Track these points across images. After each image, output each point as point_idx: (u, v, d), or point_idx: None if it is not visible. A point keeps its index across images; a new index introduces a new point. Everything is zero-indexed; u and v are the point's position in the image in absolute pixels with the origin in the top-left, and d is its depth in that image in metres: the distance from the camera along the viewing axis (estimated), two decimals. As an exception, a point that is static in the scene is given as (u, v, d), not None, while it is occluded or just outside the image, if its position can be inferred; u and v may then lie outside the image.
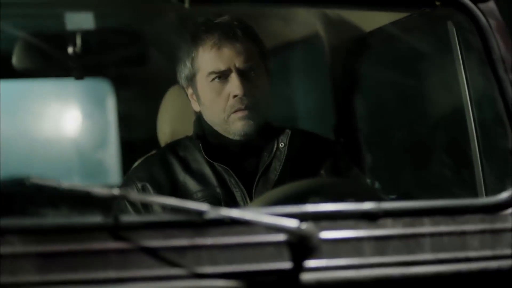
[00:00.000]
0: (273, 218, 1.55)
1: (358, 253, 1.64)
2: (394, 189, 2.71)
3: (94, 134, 3.33)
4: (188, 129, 2.42)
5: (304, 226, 1.55)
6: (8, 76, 2.47)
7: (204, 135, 2.35)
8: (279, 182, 2.23)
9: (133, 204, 2.20)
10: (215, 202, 2.24)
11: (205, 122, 2.34)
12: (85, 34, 2.00)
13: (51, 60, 2.21)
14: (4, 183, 1.68)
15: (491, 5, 1.94)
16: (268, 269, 1.58)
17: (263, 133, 2.31)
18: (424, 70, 2.81)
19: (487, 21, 1.92)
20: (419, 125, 2.91)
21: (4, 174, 2.68)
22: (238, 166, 2.28)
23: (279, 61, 3.12)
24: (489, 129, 2.06)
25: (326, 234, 1.62)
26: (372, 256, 1.64)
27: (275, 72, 2.53)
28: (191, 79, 2.32)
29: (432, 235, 1.69)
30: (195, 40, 2.29)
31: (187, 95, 2.39)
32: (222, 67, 2.26)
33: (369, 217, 1.67)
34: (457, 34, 2.12)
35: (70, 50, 1.96)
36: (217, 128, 2.31)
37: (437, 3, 1.94)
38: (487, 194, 2.06)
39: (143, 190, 2.27)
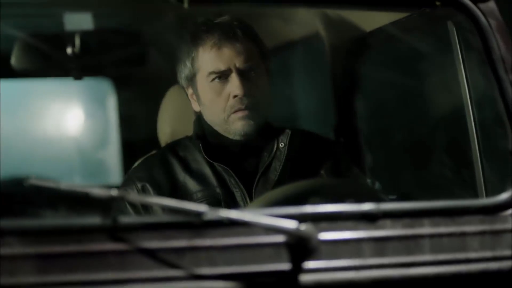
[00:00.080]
0: (272, 219, 1.55)
1: (358, 254, 1.63)
2: (394, 189, 2.71)
3: (94, 134, 3.33)
4: (188, 129, 2.42)
5: (303, 227, 1.55)
6: (7, 76, 2.47)
7: (204, 135, 2.34)
8: (279, 182, 2.23)
9: (132, 204, 2.19)
10: (215, 202, 2.23)
11: (205, 122, 2.34)
12: (84, 34, 1.99)
13: (50, 60, 2.21)
14: (3, 184, 1.68)
15: (491, 5, 1.93)
16: (267, 271, 1.57)
17: (263, 133, 2.31)
18: (425, 70, 2.81)
19: (487, 21, 1.91)
20: (419, 125, 2.90)
21: (4, 174, 2.68)
22: (238, 166, 2.28)
23: (279, 61, 3.12)
24: (489, 129, 2.06)
25: (325, 235, 1.61)
26: (372, 257, 1.64)
27: (275, 72, 2.53)
28: (191, 79, 2.32)
29: (431, 236, 1.68)
30: (195, 40, 2.29)
31: (187, 95, 2.39)
32: (222, 67, 2.25)
33: (369, 218, 1.66)
34: (457, 34, 2.12)
35: (69, 50, 1.95)
36: (217, 128, 2.31)
37: (437, 3, 1.93)
38: (487, 195, 2.06)
39: (143, 190, 2.27)
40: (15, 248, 1.47)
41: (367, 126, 2.91)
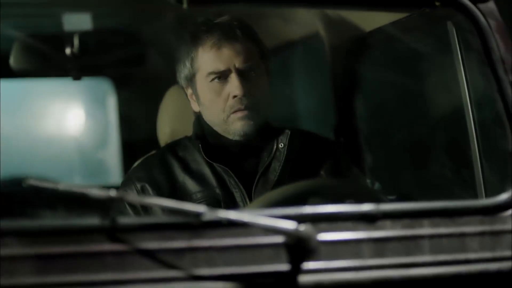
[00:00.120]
0: (271, 220, 1.55)
1: (357, 255, 1.63)
2: (394, 190, 2.70)
3: (94, 134, 3.33)
4: (188, 129, 2.41)
5: (302, 228, 1.54)
6: (5, 76, 2.47)
7: (204, 135, 2.34)
8: (278, 183, 2.23)
9: (132, 205, 2.19)
10: (215, 202, 2.23)
11: (205, 122, 2.34)
12: (83, 35, 1.99)
13: (48, 60, 2.21)
14: (2, 184, 1.68)
15: (491, 5, 1.93)
16: (266, 271, 1.57)
17: (262, 133, 2.31)
18: (424, 70, 2.81)
19: (487, 21, 1.91)
20: (419, 125, 2.90)
21: (3, 174, 2.68)
22: (238, 166, 2.28)
23: (279, 61, 3.12)
24: (489, 129, 2.05)
25: (324, 236, 1.61)
26: (371, 258, 1.64)
27: (275, 72, 2.52)
28: (191, 79, 2.32)
29: (431, 236, 1.68)
30: (195, 40, 2.29)
31: (186, 95, 2.38)
32: (221, 67, 2.25)
33: (368, 219, 1.66)
34: (457, 34, 2.12)
35: (68, 50, 1.95)
36: (217, 128, 2.31)
37: (437, 3, 1.93)
38: (487, 195, 2.06)
39: (142, 190, 2.26)
40: (14, 249, 1.47)
41: (367, 126, 2.91)
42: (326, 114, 3.02)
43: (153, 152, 2.48)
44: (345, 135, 2.86)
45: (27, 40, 2.22)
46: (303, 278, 1.58)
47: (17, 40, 2.26)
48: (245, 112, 2.25)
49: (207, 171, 2.28)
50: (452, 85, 2.17)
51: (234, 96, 2.24)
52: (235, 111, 2.25)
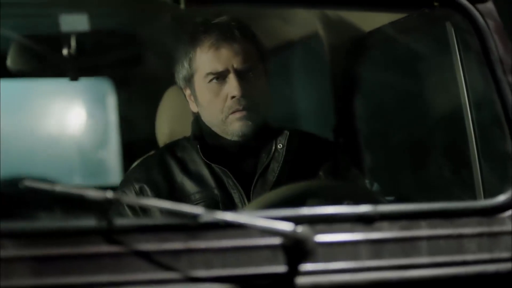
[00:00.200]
0: (268, 221, 1.55)
1: (354, 257, 1.63)
2: (394, 190, 2.70)
3: (93, 135, 3.33)
4: (186, 130, 2.41)
5: (300, 229, 1.54)
6: (3, 76, 2.47)
7: (202, 136, 2.34)
8: (277, 184, 2.23)
9: (130, 206, 2.19)
10: (213, 203, 2.23)
11: (203, 123, 2.34)
12: (80, 36, 1.99)
13: (46, 61, 2.21)
14: (-1, 185, 1.68)
15: (490, 5, 1.92)
16: (263, 273, 1.57)
17: (261, 134, 2.30)
18: (423, 71, 2.81)
19: (485, 22, 1.91)
20: (418, 126, 2.90)
21: (2, 174, 2.68)
22: (236, 167, 2.27)
23: (279, 62, 3.12)
24: (488, 130, 2.05)
25: (322, 238, 1.61)
26: (368, 259, 1.63)
27: (275, 72, 2.52)
28: (189, 80, 2.31)
29: (429, 238, 1.68)
30: (193, 40, 2.28)
31: (185, 95, 2.38)
32: (220, 68, 2.25)
33: (365, 220, 1.66)
34: (455, 35, 2.12)
35: (65, 51, 1.95)
36: (215, 129, 2.30)
37: (436, 4, 1.93)
38: (485, 196, 2.05)
39: (141, 191, 2.26)
40: (11, 251, 1.47)
41: (366, 126, 2.91)
42: (325, 115, 3.02)
43: (152, 152, 2.48)
44: (344, 136, 2.86)
45: (25, 41, 2.22)
46: (300, 280, 1.58)
47: (15, 40, 2.26)
48: (244, 113, 2.24)
49: (205, 172, 2.28)
50: (450, 85, 2.16)
51: (233, 97, 2.24)
52: (233, 112, 2.25)
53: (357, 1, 1.98)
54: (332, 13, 2.70)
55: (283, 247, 1.56)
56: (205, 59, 2.25)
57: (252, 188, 2.26)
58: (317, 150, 2.38)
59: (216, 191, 2.25)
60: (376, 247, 1.64)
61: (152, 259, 1.52)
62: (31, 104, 3.24)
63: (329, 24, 2.78)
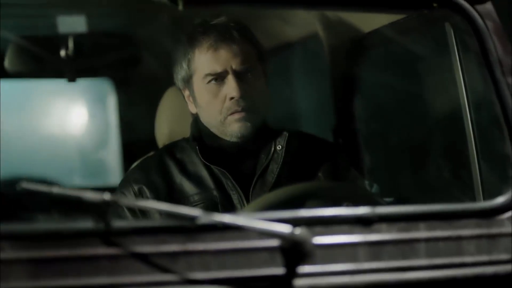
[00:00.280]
0: (266, 223, 1.54)
1: (353, 259, 1.62)
2: (393, 192, 2.70)
3: (93, 135, 3.33)
4: (186, 130, 2.41)
5: (298, 231, 1.53)
6: (0, 77, 2.46)
7: (201, 137, 2.33)
8: (276, 185, 2.22)
9: (129, 207, 2.18)
10: (212, 205, 2.23)
11: (202, 124, 2.33)
12: (78, 37, 1.98)
13: (43, 62, 2.20)
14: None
15: (489, 6, 1.92)
16: (261, 275, 1.56)
17: (260, 135, 2.30)
18: (422, 71, 2.80)
19: (484, 23, 1.90)
20: (417, 127, 2.89)
21: (2, 175, 2.68)
22: (235, 168, 2.27)
23: (278, 62, 3.11)
24: (487, 132, 2.04)
25: (320, 240, 1.60)
26: (367, 261, 1.63)
27: (274, 73, 2.52)
28: (188, 81, 2.31)
29: (427, 240, 1.67)
30: (192, 41, 2.28)
31: (184, 96, 2.38)
32: (218, 69, 2.24)
33: (364, 222, 1.65)
34: (454, 35, 2.11)
35: (62, 52, 1.95)
36: (214, 130, 2.30)
37: (434, 4, 1.92)
38: (485, 197, 2.05)
39: (140, 192, 2.26)
40: (8, 253, 1.47)
41: (366, 127, 2.90)
42: (324, 115, 3.02)
43: (151, 153, 2.48)
44: (343, 137, 2.85)
45: (22, 42, 2.22)
46: (298, 282, 1.57)
47: (12, 41, 2.26)
48: (242, 114, 2.24)
49: (204, 173, 2.27)
50: (449, 86, 2.16)
51: (231, 98, 2.23)
52: (232, 113, 2.24)
53: (357, 2, 1.97)
54: (332, 13, 2.69)
55: (281, 249, 1.56)
56: (204, 60, 2.25)
57: (251, 190, 2.26)
58: (316, 151, 2.38)
59: (215, 193, 2.24)
60: (375, 249, 1.64)
61: (149, 261, 1.52)
62: (31, 105, 3.24)
63: (329, 24, 2.78)
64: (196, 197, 2.25)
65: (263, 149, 2.31)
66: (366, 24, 2.67)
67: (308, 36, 2.90)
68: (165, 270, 1.52)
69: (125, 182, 2.32)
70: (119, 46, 2.33)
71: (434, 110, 2.78)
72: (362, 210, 1.66)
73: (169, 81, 2.44)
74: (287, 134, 2.33)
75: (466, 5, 1.90)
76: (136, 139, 3.04)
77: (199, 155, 2.28)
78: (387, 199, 2.39)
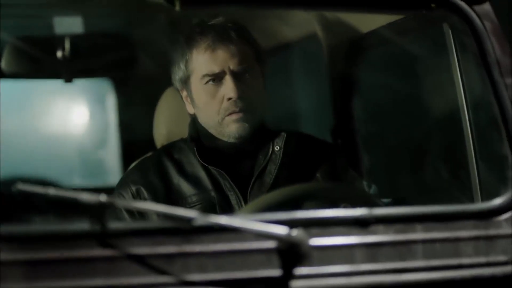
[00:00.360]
0: (263, 225, 1.54)
1: (349, 260, 1.62)
2: (392, 192, 2.69)
3: (92, 135, 3.32)
4: (184, 131, 2.40)
5: (294, 233, 1.53)
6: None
7: (199, 137, 2.33)
8: (274, 186, 2.22)
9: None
10: (210, 205, 2.22)
11: (200, 124, 2.33)
12: (74, 38, 1.98)
13: (40, 63, 2.20)
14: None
15: (487, 7, 1.91)
16: (258, 277, 1.56)
17: (258, 135, 2.29)
18: (420, 72, 2.80)
19: (483, 23, 1.90)
20: (416, 127, 2.89)
21: (1, 174, 2.68)
22: (233, 169, 2.27)
23: (276, 63, 3.11)
24: (485, 132, 2.04)
25: (317, 241, 1.60)
26: (364, 263, 1.63)
27: (273, 73, 2.51)
28: (185, 81, 2.31)
29: (424, 241, 1.67)
30: (189, 42, 2.27)
31: (182, 97, 2.37)
32: (216, 69, 2.24)
33: (361, 224, 1.65)
34: (453, 36, 2.11)
35: (59, 53, 1.94)
36: (212, 130, 2.30)
37: (433, 5, 1.92)
38: (483, 198, 2.04)
39: (138, 193, 2.25)
40: (3, 254, 1.46)
41: (364, 128, 2.90)
42: (323, 116, 3.01)
43: (149, 154, 2.47)
44: (342, 137, 2.85)
45: (19, 42, 2.21)
46: (295, 284, 1.57)
47: (9, 42, 2.25)
48: (240, 115, 2.24)
49: (202, 174, 2.27)
50: (448, 87, 2.15)
51: (229, 99, 2.23)
52: (230, 114, 2.24)
53: (355, 3, 1.97)
54: (330, 14, 2.69)
55: (278, 250, 1.55)
56: (202, 61, 2.25)
57: (249, 190, 2.25)
58: (315, 152, 2.37)
59: (213, 193, 2.24)
60: (372, 251, 1.64)
61: (146, 262, 1.52)
62: (29, 105, 3.24)
63: (327, 25, 2.78)
64: (194, 198, 2.24)
65: (261, 150, 2.31)
66: (364, 25, 2.66)
67: (307, 37, 2.90)
68: (162, 272, 1.52)
69: (123, 183, 2.31)
70: (116, 47, 2.33)
71: (432, 110, 2.77)
72: (359, 212, 1.66)
73: (167, 82, 2.43)
74: (285, 135, 2.32)
75: (464, 6, 1.90)
76: (134, 139, 3.04)
77: (197, 156, 2.28)
78: (385, 200, 2.38)
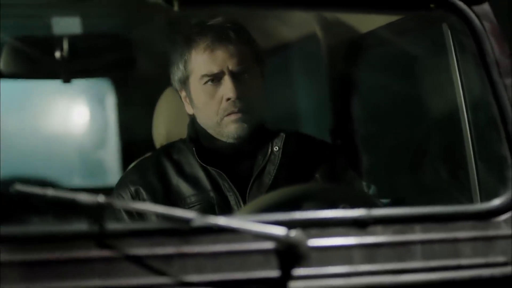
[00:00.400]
0: (261, 225, 1.53)
1: (348, 261, 1.62)
2: (391, 193, 2.69)
3: (91, 136, 3.32)
4: (184, 131, 2.40)
5: (293, 233, 1.53)
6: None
7: (198, 138, 2.33)
8: (273, 186, 2.22)
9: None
10: (209, 206, 2.22)
11: (199, 125, 2.33)
12: (73, 38, 1.98)
13: (38, 63, 2.20)
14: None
15: (486, 7, 1.91)
16: (256, 278, 1.56)
17: (257, 136, 2.29)
18: (419, 72, 2.79)
19: (482, 24, 1.89)
20: (415, 128, 2.89)
21: (1, 174, 2.68)
22: (232, 170, 2.27)
23: (276, 63, 3.11)
24: (484, 133, 2.04)
25: (315, 242, 1.60)
26: (362, 264, 1.62)
27: (272, 73, 2.51)
28: (184, 81, 2.31)
29: (423, 242, 1.66)
30: (188, 42, 2.27)
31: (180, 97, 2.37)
32: (215, 69, 2.23)
33: (359, 224, 1.65)
34: (452, 36, 2.10)
35: (57, 54, 1.94)
36: (211, 131, 2.30)
37: (432, 5, 1.91)
38: (482, 199, 2.04)
39: (136, 194, 2.25)
40: (1, 255, 1.46)
41: (364, 128, 2.89)
42: (322, 116, 3.01)
43: (148, 154, 2.47)
44: (341, 137, 2.84)
45: (17, 43, 2.21)
46: (293, 284, 1.57)
47: (7, 42, 2.25)
48: (239, 115, 2.23)
49: (201, 175, 2.27)
50: (447, 87, 2.15)
51: (228, 99, 2.23)
52: (228, 114, 2.24)
53: (354, 3, 1.97)
54: (329, 14, 2.69)
55: (276, 251, 1.55)
56: (200, 61, 2.24)
57: (248, 191, 2.25)
58: (314, 152, 2.37)
59: (211, 194, 2.24)
60: (370, 252, 1.63)
61: (144, 263, 1.52)
62: (28, 105, 3.24)
63: (327, 25, 2.77)
64: (192, 199, 2.24)
65: (260, 150, 2.31)
66: (364, 25, 2.66)
67: (306, 37, 2.90)
68: (160, 273, 1.52)
69: (122, 183, 2.31)
70: (114, 47, 2.33)
71: (431, 111, 2.77)
72: (357, 212, 1.66)
73: (167, 82, 2.43)
74: (284, 135, 2.32)
75: (463, 6, 1.90)
76: (134, 139, 3.04)
77: (196, 156, 2.28)
78: (385, 200, 2.38)
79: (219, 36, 2.23)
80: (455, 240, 1.69)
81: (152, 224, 1.58)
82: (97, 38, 2.31)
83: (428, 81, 2.74)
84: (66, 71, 2.05)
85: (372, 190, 2.46)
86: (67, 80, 2.13)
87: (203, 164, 2.27)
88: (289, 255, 1.54)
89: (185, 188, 2.26)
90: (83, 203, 1.50)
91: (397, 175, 2.91)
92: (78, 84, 3.10)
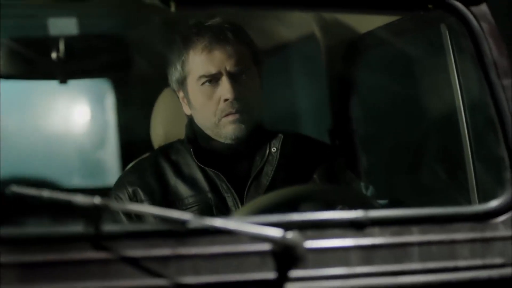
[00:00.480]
0: (258, 227, 1.53)
1: (345, 263, 1.61)
2: (390, 193, 2.68)
3: (90, 136, 3.32)
4: (182, 131, 2.40)
5: (289, 235, 1.52)
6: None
7: (196, 138, 2.32)
8: (271, 187, 2.21)
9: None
10: (207, 207, 2.22)
11: (196, 125, 2.32)
12: (70, 39, 1.98)
13: (35, 64, 2.19)
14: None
15: (484, 8, 1.91)
16: (253, 279, 1.56)
17: (255, 137, 2.29)
18: (418, 73, 2.79)
19: (479, 24, 1.89)
20: (413, 128, 2.89)
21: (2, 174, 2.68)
22: (230, 170, 2.26)
23: (274, 63, 3.10)
24: (482, 134, 2.03)
25: (312, 243, 1.59)
26: (359, 265, 1.62)
27: (270, 74, 2.51)
28: (182, 82, 2.30)
29: (420, 244, 1.66)
30: (186, 43, 2.27)
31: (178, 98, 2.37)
32: (212, 70, 2.23)
33: (356, 226, 1.64)
34: (450, 37, 2.10)
35: (54, 54, 1.94)
36: (208, 132, 2.29)
37: (430, 6, 1.91)
38: (480, 199, 2.04)
39: (134, 194, 2.25)
40: (-1, 257, 1.46)
41: (363, 129, 2.89)
42: (321, 117, 3.01)
43: (146, 155, 2.47)
44: (340, 138, 2.84)
45: (13, 44, 2.21)
46: (290, 286, 1.57)
47: (4, 43, 2.25)
48: (237, 116, 2.23)
49: (199, 175, 2.26)
50: (445, 88, 2.15)
51: (226, 100, 2.22)
52: (226, 115, 2.23)
53: (353, 3, 1.96)
54: (328, 15, 2.68)
55: (273, 253, 1.55)
56: (198, 62, 2.24)
57: (245, 192, 2.25)
58: (312, 153, 2.37)
59: (209, 195, 2.24)
60: (367, 253, 1.63)
61: (140, 265, 1.51)
62: (27, 106, 3.24)
63: (325, 26, 2.77)
64: (190, 200, 2.24)
65: (258, 151, 2.30)
66: (362, 25, 2.66)
67: (305, 37, 2.90)
68: (156, 274, 1.52)
69: (120, 184, 2.31)
70: (111, 48, 2.32)
71: (429, 112, 2.77)
72: (354, 214, 1.65)
73: (165, 83, 2.43)
74: (282, 136, 2.32)
75: (461, 7, 1.89)
76: (132, 140, 3.04)
77: (194, 157, 2.27)
78: (383, 201, 2.38)
79: (217, 37, 2.23)
80: (453, 242, 1.68)
81: (149, 225, 1.58)
82: (95, 38, 2.31)
83: (426, 82, 2.74)
84: (63, 72, 2.04)
85: (370, 191, 2.46)
86: (63, 80, 2.12)
87: (201, 165, 2.26)
88: (286, 256, 1.54)
89: (183, 189, 2.25)
90: (79, 205, 1.49)
91: (395, 176, 2.91)
92: (76, 84, 3.10)
